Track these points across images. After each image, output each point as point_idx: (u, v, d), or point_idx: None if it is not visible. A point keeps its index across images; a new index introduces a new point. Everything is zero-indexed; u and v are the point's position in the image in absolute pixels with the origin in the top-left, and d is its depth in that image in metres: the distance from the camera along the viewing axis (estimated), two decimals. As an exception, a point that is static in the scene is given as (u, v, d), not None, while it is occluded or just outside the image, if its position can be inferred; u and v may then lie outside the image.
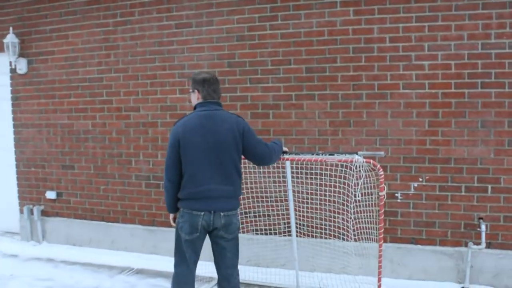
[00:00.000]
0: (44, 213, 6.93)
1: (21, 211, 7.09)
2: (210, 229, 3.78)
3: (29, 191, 7.03)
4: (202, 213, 3.71)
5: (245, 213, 5.65)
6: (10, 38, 6.64)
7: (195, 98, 3.93)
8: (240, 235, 4.20)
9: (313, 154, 4.65)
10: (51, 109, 6.74)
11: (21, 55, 6.79)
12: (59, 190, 6.81)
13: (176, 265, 3.91)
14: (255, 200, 5.60)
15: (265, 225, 5.68)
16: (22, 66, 6.79)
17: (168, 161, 3.82)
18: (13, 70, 6.91)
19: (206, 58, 5.92)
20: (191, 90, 3.96)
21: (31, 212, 6.95)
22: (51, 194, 6.82)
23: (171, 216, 4.05)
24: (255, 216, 5.67)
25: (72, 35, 6.54)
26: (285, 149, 4.50)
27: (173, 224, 4.01)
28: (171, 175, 3.81)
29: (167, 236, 6.10)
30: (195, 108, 3.92)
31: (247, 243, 5.65)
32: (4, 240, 7.20)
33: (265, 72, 5.70)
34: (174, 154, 3.77)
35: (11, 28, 6.72)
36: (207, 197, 3.72)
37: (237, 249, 3.96)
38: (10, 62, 6.87)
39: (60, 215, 6.85)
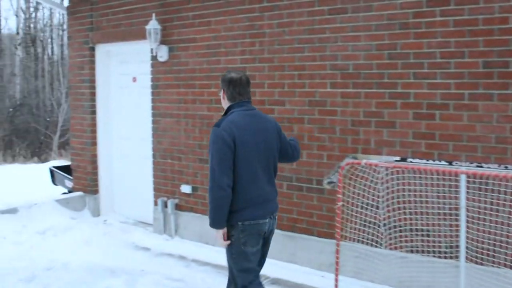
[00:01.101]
0: (178, 207, 6.67)
1: (155, 203, 6.89)
2: (268, 233, 3.65)
3: (164, 183, 6.80)
4: (267, 220, 3.55)
5: (399, 226, 4.89)
6: (153, 25, 6.39)
7: (222, 98, 3.76)
8: (389, 252, 3.53)
9: (499, 167, 3.81)
10: (190, 99, 6.42)
11: (162, 42, 6.53)
12: (195, 185, 6.49)
13: (250, 284, 3.58)
14: (413, 213, 4.83)
15: (423, 243, 4.90)
16: (163, 54, 6.53)
17: (222, 166, 3.40)
18: (153, 58, 6.67)
19: (363, 48, 5.22)
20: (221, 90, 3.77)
21: (165, 205, 6.73)
22: (186, 188, 6.53)
23: (221, 232, 3.51)
24: (411, 231, 4.91)
25: (215, 22, 6.14)
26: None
27: (225, 243, 3.56)
28: (228, 181, 3.40)
29: (308, 245, 5.56)
30: (229, 108, 3.68)
31: (399, 261, 4.91)
32: (137, 230, 7.08)
33: (432, 66, 4.88)
34: (230, 155, 3.41)
35: (153, 15, 6.48)
36: (266, 200, 3.57)
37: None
38: (151, 49, 6.63)
39: (194, 210, 6.54)
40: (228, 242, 3.54)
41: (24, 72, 26.65)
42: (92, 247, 6.33)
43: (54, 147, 20.81)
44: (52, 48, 30.45)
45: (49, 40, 30.17)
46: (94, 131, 7.66)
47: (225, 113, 3.70)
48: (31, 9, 27.86)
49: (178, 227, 6.69)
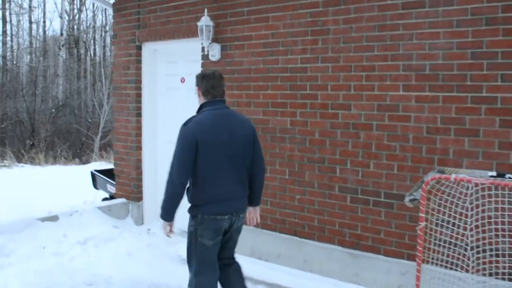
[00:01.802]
0: (228, 218, 6.19)
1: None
2: (229, 230, 3.79)
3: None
4: (226, 216, 3.68)
5: (482, 249, 4.25)
6: (205, 21, 5.92)
7: (198, 95, 3.88)
8: (464, 275, 3.04)
9: None
10: (245, 102, 5.92)
11: (214, 40, 6.06)
12: (247, 195, 5.99)
13: (199, 274, 3.78)
14: (496, 234, 4.18)
15: (510, 268, 4.26)
16: (215, 52, 6.05)
17: (181, 164, 3.61)
18: (205, 57, 6.21)
19: (442, 47, 4.62)
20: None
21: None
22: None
23: (167, 224, 3.77)
24: (497, 256, 4.26)
25: (273, 18, 5.63)
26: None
27: (169, 235, 3.82)
28: (184, 179, 3.63)
29: (374, 265, 5.00)
30: (201, 107, 3.82)
31: (481, 287, 4.29)
32: (183, 242, 6.52)
33: (525, 67, 4.28)
34: (190, 156, 3.60)
35: (205, 10, 6.01)
36: (229, 198, 3.69)
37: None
38: (203, 48, 6.17)
39: (245, 223, 6.02)
40: (172, 233, 3.82)
41: (67, 73, 26.83)
42: (136, 260, 5.87)
43: (95, 149, 20.69)
44: (95, 49, 30.67)
45: (92, 41, 30.41)
46: (139, 135, 7.25)
47: (198, 111, 3.84)
48: (75, 11, 28.14)
49: (227, 239, 6.20)
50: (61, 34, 27.14)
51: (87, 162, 18.23)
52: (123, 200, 7.37)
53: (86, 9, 29.16)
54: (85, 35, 29.53)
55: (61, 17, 26.97)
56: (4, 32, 28.12)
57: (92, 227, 6.69)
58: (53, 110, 23.90)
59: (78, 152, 21.41)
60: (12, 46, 29.06)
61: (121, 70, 7.41)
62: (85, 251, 6.11)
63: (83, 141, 23.05)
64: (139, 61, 7.18)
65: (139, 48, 7.16)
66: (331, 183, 5.33)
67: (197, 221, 3.72)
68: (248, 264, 5.79)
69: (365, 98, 5.05)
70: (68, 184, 11.81)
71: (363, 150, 5.09)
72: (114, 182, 8.31)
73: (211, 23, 5.94)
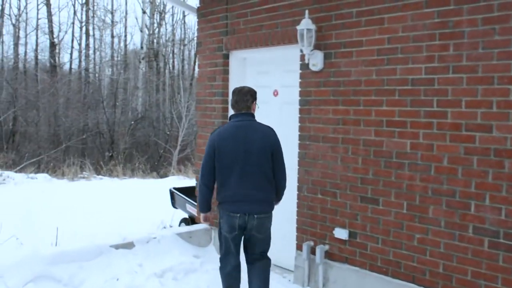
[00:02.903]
0: (329, 256, 5.24)
1: (299, 247, 5.52)
2: (246, 227, 4.30)
3: (311, 224, 5.42)
4: (238, 215, 4.22)
5: None
6: (305, 24, 5.06)
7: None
8: None
9: None
10: (352, 119, 5.00)
11: (316, 46, 5.19)
12: (353, 229, 5.03)
13: (222, 260, 4.52)
14: None
15: None
16: (317, 61, 5.17)
17: (204, 169, 4.33)
18: (304, 66, 5.35)
19: None
20: None
21: (311, 251, 5.33)
22: (341, 233, 5.09)
23: (202, 215, 4.60)
24: None
25: (390, 19, 4.69)
26: None
27: (202, 222, 4.72)
28: (207, 181, 4.36)
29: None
30: (230, 118, 4.48)
31: None
32: (272, 277, 5.68)
33: None
34: (209, 162, 4.29)
35: (306, 12, 5.16)
36: (241, 200, 4.22)
37: (266, 244, 4.54)
38: (302, 56, 5.32)
39: (350, 262, 5.07)
40: (207, 222, 4.75)
41: (147, 85, 26.96)
42: (219, 297, 5.08)
43: (173, 162, 20.34)
44: (173, 62, 30.79)
45: (171, 54, 30.54)
46: (224, 154, 6.49)
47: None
48: (155, 25, 28.32)
49: (327, 280, 5.25)
50: (141, 48, 27.34)
51: (164, 176, 17.91)
52: (205, 225, 6.59)
53: (166, 23, 29.33)
54: (164, 49, 29.68)
55: (141, 31, 27.17)
56: (87, 45, 28.76)
57: (170, 257, 5.95)
58: (132, 122, 23.89)
59: (156, 165, 21.15)
60: (94, 59, 29.69)
61: (206, 82, 6.69)
62: (162, 285, 5.42)
63: (161, 154, 22.80)
64: (226, 72, 6.43)
65: (226, 57, 6.41)
66: (463, 222, 4.27)
67: (220, 215, 4.44)
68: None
69: (512, 118, 3.99)
70: (146, 199, 11.37)
71: (508, 183, 4.01)
72: (194, 203, 7.67)
73: (313, 27, 5.07)
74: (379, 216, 4.81)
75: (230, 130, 4.27)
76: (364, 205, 4.92)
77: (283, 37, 5.57)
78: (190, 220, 8.33)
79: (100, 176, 16.51)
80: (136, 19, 30.20)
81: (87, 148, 23.23)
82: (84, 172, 16.67)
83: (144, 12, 27.12)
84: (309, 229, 5.43)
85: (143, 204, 10.86)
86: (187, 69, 30.37)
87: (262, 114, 6.19)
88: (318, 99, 5.27)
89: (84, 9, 29.23)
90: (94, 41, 29.77)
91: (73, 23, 29.08)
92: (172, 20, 30.84)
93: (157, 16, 28.19)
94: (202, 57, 6.74)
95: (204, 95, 6.75)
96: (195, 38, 26.16)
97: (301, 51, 5.28)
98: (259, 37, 5.87)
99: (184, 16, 28.99)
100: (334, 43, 5.12)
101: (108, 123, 23.58)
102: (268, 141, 4.26)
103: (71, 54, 29.19)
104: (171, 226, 9.07)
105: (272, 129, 4.38)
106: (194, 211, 8.06)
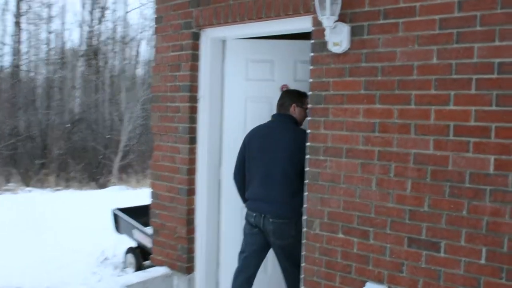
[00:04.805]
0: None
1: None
2: (262, 231, 4.06)
3: (327, 275, 3.77)
4: (254, 214, 4.07)
5: None
6: (324, -15, 3.42)
7: None
8: None
9: None
10: (398, 124, 3.37)
11: (340, 17, 3.54)
12: (396, 286, 3.41)
13: (240, 253, 4.24)
14: None
15: None
16: (341, 38, 3.50)
17: (236, 163, 4.30)
18: (320, 46, 3.69)
19: None
20: None
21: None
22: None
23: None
24: None
25: (457, -25, 3.12)
26: None
27: None
28: (237, 176, 4.31)
29: None
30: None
31: None
32: None
33: None
34: (240, 158, 4.26)
35: (323, -32, 3.51)
36: (260, 199, 4.07)
37: (290, 255, 4.07)
38: (317, 32, 3.67)
39: None
40: None
41: (85, 85, 24.85)
42: None
43: (114, 170, 18.30)
44: (114, 61, 28.79)
45: (111, 53, 28.58)
46: (192, 172, 4.74)
47: None
48: (95, 22, 26.32)
49: None
50: (80, 45, 25.34)
51: (104, 186, 16.00)
52: (164, 269, 4.83)
53: (106, 21, 27.37)
54: (104, 47, 27.67)
55: (80, 27, 25.24)
56: (18, 41, 26.26)
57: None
58: (68, 125, 21.57)
59: (94, 173, 19.00)
60: (28, 56, 27.25)
61: (167, 72, 4.93)
62: None
63: (100, 160, 20.59)
64: (195, 58, 4.71)
65: (197, 37, 4.70)
66: None
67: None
68: None
69: None
70: (82, 218, 9.50)
71: None
72: (145, 229, 6.25)
73: (335, -11, 3.44)
74: (439, 267, 3.21)
75: (261, 129, 4.20)
76: (415, 251, 3.30)
77: (286, 5, 3.92)
78: (140, 251, 6.56)
79: (29, 188, 14.32)
80: (75, 15, 28.20)
81: (16, 155, 20.69)
82: (9, 184, 14.41)
83: (83, 7, 25.19)
84: (324, 282, 3.76)
85: (79, 225, 8.96)
86: (129, 68, 28.44)
87: (253, 116, 4.66)
88: (340, 94, 3.61)
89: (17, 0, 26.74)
90: (28, 36, 27.26)
91: (3, 15, 26.52)
92: (113, 17, 28.85)
93: (96, 12, 26.21)
94: (162, 37, 4.98)
95: (163, 90, 5.00)
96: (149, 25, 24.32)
97: (314, 24, 3.64)
98: (247, 7, 4.19)
99: (126, 13, 27.16)
100: (367, 11, 3.49)
101: (40, 125, 21.13)
102: (297, 145, 3.96)
103: (-1, 49, 26.56)
104: (114, 256, 7.34)
105: (305, 133, 3.86)
106: (144, 239, 6.33)
